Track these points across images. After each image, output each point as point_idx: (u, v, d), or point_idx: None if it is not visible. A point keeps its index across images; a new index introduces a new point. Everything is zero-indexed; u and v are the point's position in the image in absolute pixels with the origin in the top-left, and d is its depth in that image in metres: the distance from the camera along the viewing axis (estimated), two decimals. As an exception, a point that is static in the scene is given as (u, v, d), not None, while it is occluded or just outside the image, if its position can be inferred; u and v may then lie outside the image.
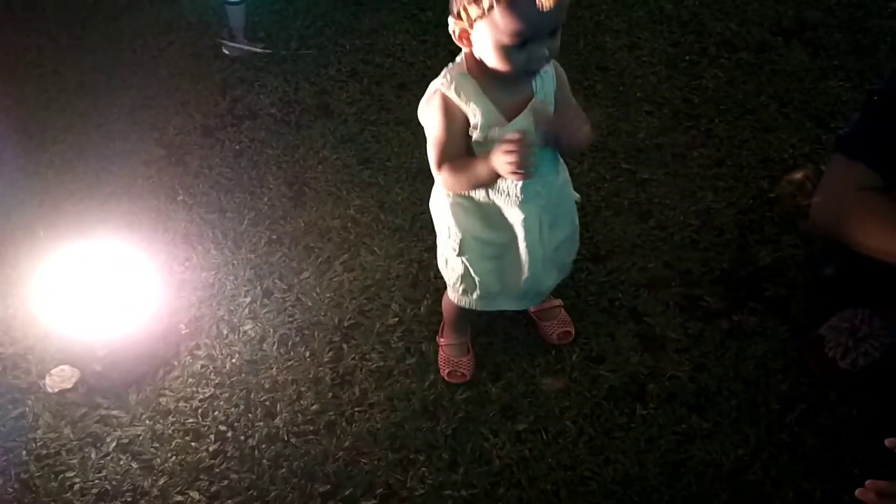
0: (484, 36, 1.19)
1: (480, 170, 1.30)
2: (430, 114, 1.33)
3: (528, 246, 1.46)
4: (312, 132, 2.40)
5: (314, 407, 1.73)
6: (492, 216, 1.44)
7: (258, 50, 2.69)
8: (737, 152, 2.26)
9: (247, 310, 1.92)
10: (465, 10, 1.18)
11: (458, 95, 1.28)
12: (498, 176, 1.28)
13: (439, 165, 1.36)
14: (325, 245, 2.06)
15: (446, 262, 1.57)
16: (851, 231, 1.47)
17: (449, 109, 1.30)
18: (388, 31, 2.77)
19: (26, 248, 2.04)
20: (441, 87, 1.30)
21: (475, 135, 1.32)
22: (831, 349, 1.68)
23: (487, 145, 1.30)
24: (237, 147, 2.36)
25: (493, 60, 1.22)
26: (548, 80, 1.34)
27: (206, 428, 1.71)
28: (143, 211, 2.17)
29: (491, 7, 1.14)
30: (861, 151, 1.46)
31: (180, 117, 2.46)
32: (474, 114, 1.30)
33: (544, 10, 1.11)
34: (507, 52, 1.19)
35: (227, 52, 2.69)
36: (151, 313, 1.84)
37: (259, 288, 1.96)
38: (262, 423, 1.71)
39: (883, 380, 1.69)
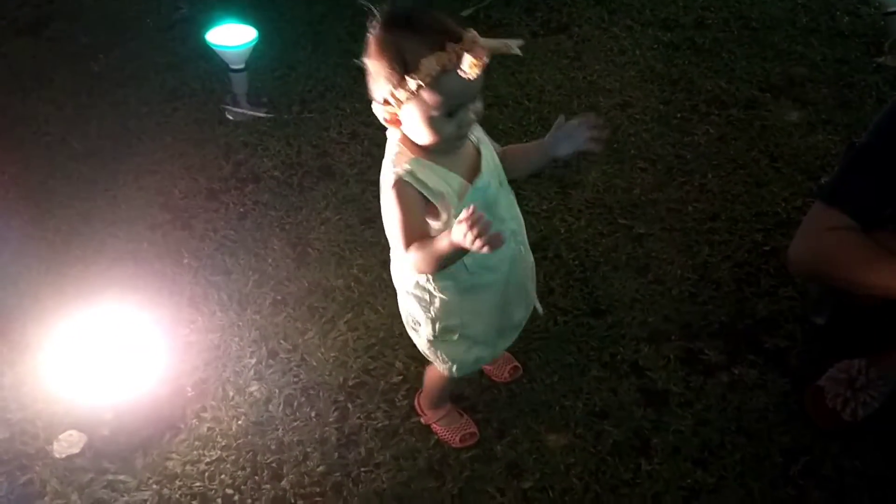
0: (413, 114, 1.23)
1: (443, 245, 1.23)
2: (390, 200, 1.31)
3: (517, 272, 1.47)
4: (315, 194, 2.45)
5: (320, 468, 1.73)
6: (481, 280, 1.43)
7: (261, 115, 2.76)
8: (730, 206, 2.31)
9: (252, 371, 1.93)
10: (393, 95, 1.21)
11: (419, 179, 1.28)
12: (464, 251, 1.21)
13: (407, 246, 1.31)
14: (329, 304, 2.09)
15: (428, 344, 1.54)
16: (826, 267, 1.53)
17: (409, 193, 1.29)
18: (387, 94, 2.84)
19: (34, 314, 2.05)
20: (401, 173, 1.28)
21: (442, 218, 1.32)
22: (831, 400, 1.70)
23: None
24: (241, 210, 2.40)
25: (425, 135, 1.24)
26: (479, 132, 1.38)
27: (213, 492, 1.70)
28: (148, 275, 2.19)
29: (419, 88, 1.18)
30: (839, 199, 1.53)
31: (185, 182, 2.51)
32: (443, 190, 1.29)
33: (471, 81, 1.16)
34: (436, 123, 1.23)
35: (230, 118, 2.76)
36: (158, 376, 1.86)
37: (264, 349, 1.98)
38: (268, 486, 1.71)
39: (883, 430, 1.70)
